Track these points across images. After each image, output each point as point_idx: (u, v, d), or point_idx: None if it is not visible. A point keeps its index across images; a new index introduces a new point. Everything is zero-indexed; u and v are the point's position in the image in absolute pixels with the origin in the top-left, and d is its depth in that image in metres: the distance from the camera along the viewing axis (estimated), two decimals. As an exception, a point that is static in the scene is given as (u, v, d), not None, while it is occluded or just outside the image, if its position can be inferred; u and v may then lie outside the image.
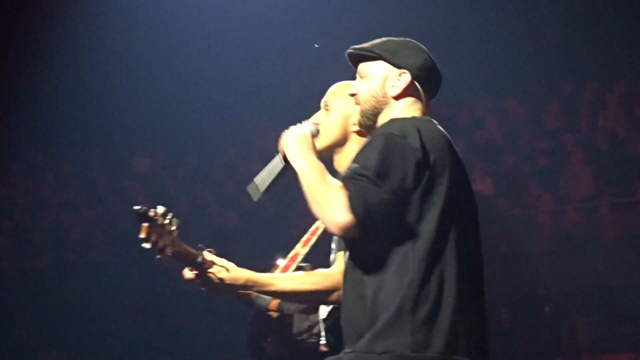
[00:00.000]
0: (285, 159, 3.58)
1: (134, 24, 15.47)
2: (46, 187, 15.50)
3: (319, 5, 15.28)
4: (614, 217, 13.16)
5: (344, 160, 3.93)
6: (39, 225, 14.84)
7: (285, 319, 4.37)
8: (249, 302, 4.35)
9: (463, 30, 15.34)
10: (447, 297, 3.22)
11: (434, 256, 3.23)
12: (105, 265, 13.99)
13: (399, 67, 3.47)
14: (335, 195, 3.21)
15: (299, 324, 4.37)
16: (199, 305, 12.71)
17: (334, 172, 3.60)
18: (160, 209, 3.72)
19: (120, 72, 15.55)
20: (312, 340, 4.38)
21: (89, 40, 15.34)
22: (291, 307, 4.41)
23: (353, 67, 3.59)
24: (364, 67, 3.52)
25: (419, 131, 3.27)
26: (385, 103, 3.46)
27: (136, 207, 3.66)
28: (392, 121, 3.38)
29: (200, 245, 3.85)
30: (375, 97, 3.47)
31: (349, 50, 3.56)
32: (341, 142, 3.97)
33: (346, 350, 3.32)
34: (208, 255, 3.84)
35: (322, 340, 4.05)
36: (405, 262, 3.22)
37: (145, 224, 3.65)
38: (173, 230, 3.73)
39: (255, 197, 3.72)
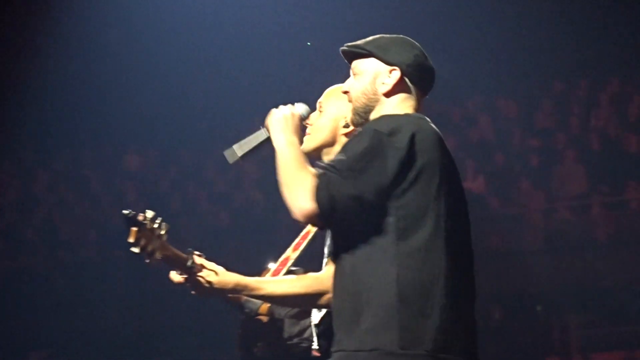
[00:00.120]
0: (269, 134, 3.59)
1: (126, 23, 15.46)
2: (37, 185, 15.49)
3: (311, 5, 15.28)
4: (605, 216, 13.18)
5: (332, 161, 3.93)
6: (30, 223, 14.83)
7: (275, 323, 4.36)
8: (239, 306, 4.35)
9: (455, 29, 15.34)
10: (435, 295, 3.20)
11: (421, 254, 3.21)
12: (96, 263, 13.99)
13: (389, 64, 3.46)
14: (303, 181, 3.22)
15: (290, 328, 4.36)
16: (190, 304, 12.70)
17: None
18: (150, 214, 3.70)
19: (112, 70, 15.55)
20: (303, 345, 4.37)
21: (81, 38, 15.32)
22: (282, 311, 4.40)
23: (348, 64, 3.59)
24: (356, 65, 3.52)
25: (409, 130, 3.26)
26: (376, 100, 3.46)
27: (125, 212, 3.65)
28: (383, 117, 3.37)
29: (189, 249, 3.83)
30: (366, 95, 3.47)
31: (343, 48, 3.55)
32: (330, 143, 3.97)
33: (334, 348, 3.30)
34: (197, 259, 3.82)
35: (315, 346, 4.04)
36: (388, 259, 3.21)
37: (134, 229, 3.64)
38: (162, 234, 3.71)
39: (231, 160, 3.71)
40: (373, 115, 3.46)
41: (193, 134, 15.09)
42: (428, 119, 3.39)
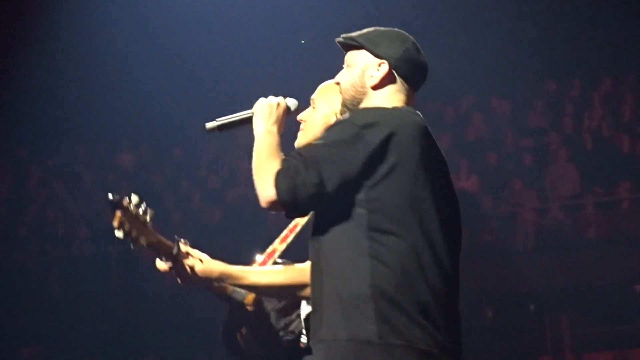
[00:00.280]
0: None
1: (121, 21, 15.45)
2: (30, 181, 15.47)
3: (306, 3, 15.28)
4: (598, 216, 13.19)
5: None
6: (23, 219, 14.81)
7: (261, 315, 4.36)
8: (225, 295, 4.34)
9: (449, 28, 15.35)
10: (414, 289, 3.19)
11: (396, 248, 3.20)
12: (88, 260, 13.98)
13: (379, 57, 3.44)
14: (270, 169, 3.24)
15: (276, 322, 4.36)
16: (182, 302, 12.71)
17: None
18: (135, 199, 3.70)
19: (106, 67, 15.54)
20: (288, 338, 4.37)
21: (75, 35, 15.31)
22: (269, 305, 4.40)
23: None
24: (348, 57, 3.51)
25: (387, 124, 3.24)
26: (364, 93, 3.44)
27: (110, 196, 3.65)
28: (363, 110, 3.37)
29: (175, 236, 3.83)
30: (354, 87, 3.46)
31: (338, 39, 3.55)
32: None
33: (314, 339, 3.30)
34: (183, 247, 3.81)
35: (303, 339, 4.04)
36: (361, 251, 3.21)
37: (119, 213, 3.64)
38: (147, 220, 3.71)
39: (208, 126, 3.72)
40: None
41: (186, 132, 15.08)
42: (418, 113, 3.37)
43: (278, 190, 3.20)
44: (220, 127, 3.72)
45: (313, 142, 3.30)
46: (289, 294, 3.93)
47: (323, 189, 3.18)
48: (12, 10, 15.23)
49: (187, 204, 14.48)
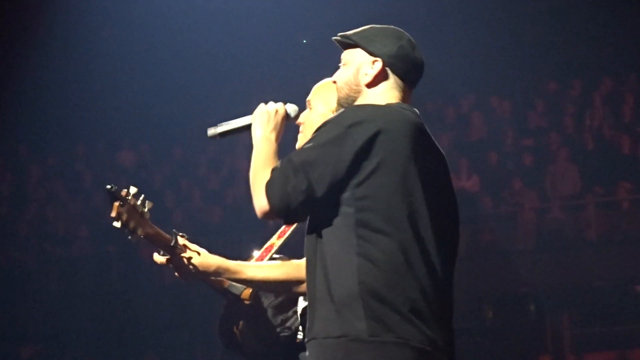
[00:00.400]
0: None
1: (120, 20, 15.45)
2: (30, 180, 15.48)
3: (306, 2, 15.29)
4: (598, 216, 13.18)
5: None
6: (23, 218, 14.82)
7: (258, 310, 4.36)
8: (223, 290, 4.34)
9: (449, 28, 15.35)
10: (403, 286, 3.18)
11: (384, 245, 3.19)
12: (88, 259, 13.98)
13: (372, 54, 3.43)
14: (262, 179, 3.26)
15: (273, 318, 4.36)
16: (181, 300, 12.71)
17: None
18: (133, 190, 3.70)
19: (106, 67, 15.54)
20: (285, 334, 4.37)
21: (75, 35, 15.32)
22: (266, 300, 4.40)
23: None
24: (344, 55, 3.50)
25: (375, 122, 3.23)
26: (358, 91, 3.43)
27: (108, 186, 3.66)
28: (352, 108, 3.37)
29: (173, 229, 3.83)
30: (349, 85, 3.45)
31: (334, 38, 3.54)
32: None
33: (307, 337, 3.30)
34: (180, 240, 3.81)
35: (300, 336, 4.04)
36: (349, 248, 3.21)
37: (117, 203, 3.64)
38: (145, 211, 3.71)
39: (210, 133, 3.73)
40: None
41: (186, 131, 15.09)
42: (414, 110, 3.36)
43: (270, 200, 3.21)
44: (222, 134, 3.73)
45: (302, 146, 3.29)
46: (285, 289, 3.94)
47: (313, 193, 3.19)
48: (13, 10, 15.24)
49: (188, 204, 14.48)
